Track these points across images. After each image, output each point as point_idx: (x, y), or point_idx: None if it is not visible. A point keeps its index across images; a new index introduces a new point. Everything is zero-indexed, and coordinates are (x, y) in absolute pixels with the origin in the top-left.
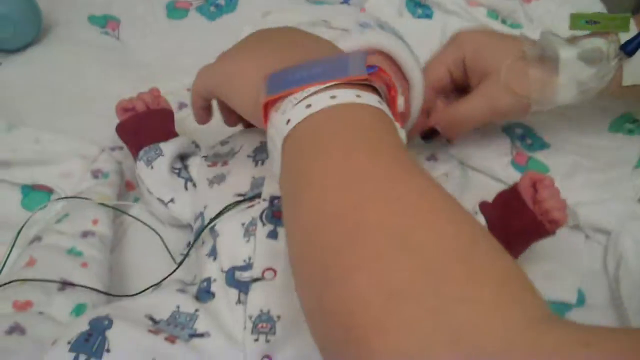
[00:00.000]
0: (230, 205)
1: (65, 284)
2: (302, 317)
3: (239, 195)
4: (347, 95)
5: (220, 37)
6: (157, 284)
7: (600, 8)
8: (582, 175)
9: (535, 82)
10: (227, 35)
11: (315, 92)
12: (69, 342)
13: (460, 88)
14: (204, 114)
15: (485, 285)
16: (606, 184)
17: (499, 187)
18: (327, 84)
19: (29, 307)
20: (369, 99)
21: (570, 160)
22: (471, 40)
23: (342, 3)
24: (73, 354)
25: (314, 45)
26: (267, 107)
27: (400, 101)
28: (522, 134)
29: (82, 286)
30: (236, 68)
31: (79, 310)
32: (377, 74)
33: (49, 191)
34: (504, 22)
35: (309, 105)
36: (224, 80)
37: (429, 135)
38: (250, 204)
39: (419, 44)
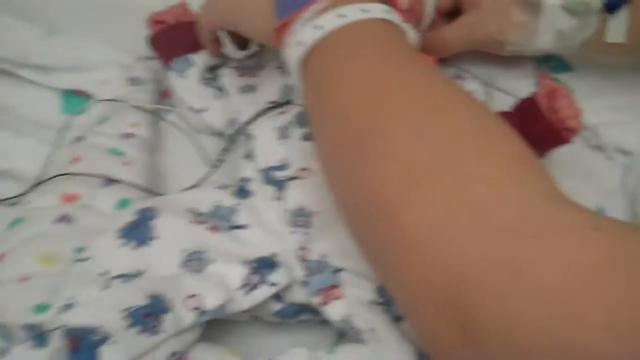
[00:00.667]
0: (263, 110)
1: (109, 180)
2: (335, 213)
3: (271, 102)
4: (353, 13)
5: None
6: (195, 185)
7: None
8: (604, 98)
9: (515, 23)
10: None
11: (323, 11)
12: (118, 230)
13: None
14: (215, 46)
15: (499, 165)
16: (629, 106)
17: None
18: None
19: (76, 200)
20: (376, 11)
21: (594, 83)
22: None
23: None
24: (122, 240)
25: None
26: (280, 31)
27: (403, 1)
28: (547, 55)
29: (126, 182)
30: None
31: (122, 204)
32: None
33: (87, 97)
34: None
35: (318, 27)
36: (232, 13)
37: None
38: (282, 110)
39: None
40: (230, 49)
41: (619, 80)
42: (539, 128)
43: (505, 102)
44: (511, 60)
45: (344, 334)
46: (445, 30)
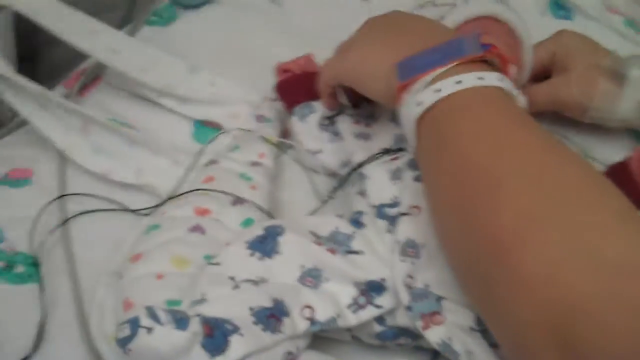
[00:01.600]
0: (377, 154)
1: (237, 200)
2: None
3: (384, 149)
4: (470, 80)
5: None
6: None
7: None
8: None
9: (600, 90)
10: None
11: (442, 76)
12: (246, 242)
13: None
14: (332, 100)
15: (609, 215)
16: None
17: None
18: (449, 66)
19: (208, 214)
20: (490, 79)
21: None
22: (568, 39)
23: None
24: (250, 251)
25: (426, 28)
26: (400, 91)
27: (513, 70)
28: None
29: (253, 203)
30: (365, 58)
31: (247, 222)
32: (490, 50)
33: (217, 127)
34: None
35: (438, 90)
36: (353, 72)
37: None
38: (394, 156)
39: None
40: (344, 101)
41: None
42: (629, 191)
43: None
44: (608, 133)
45: (438, 357)
46: (532, 87)
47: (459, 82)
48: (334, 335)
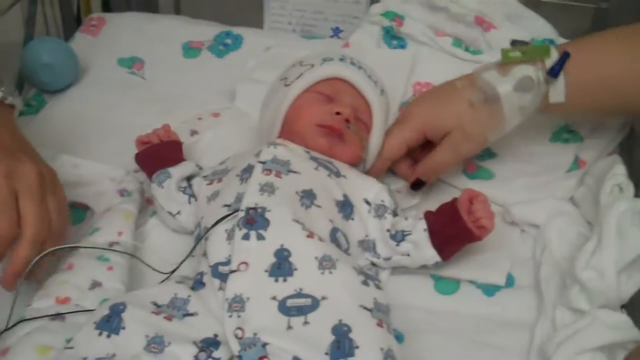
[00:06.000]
0: (219, 219)
1: (95, 283)
2: (262, 298)
3: (225, 205)
4: None
5: (229, 72)
6: (165, 278)
7: (552, 33)
8: (522, 179)
9: (487, 123)
10: (235, 70)
11: None
12: (94, 323)
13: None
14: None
15: None
16: (542, 186)
17: (453, 192)
18: None
19: (68, 302)
20: None
21: (513, 167)
22: (422, 116)
23: (331, 37)
24: (98, 331)
25: None
26: None
27: None
28: None
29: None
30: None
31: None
32: None
33: (85, 207)
34: (467, 49)
35: None
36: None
37: (417, 185)
38: (233, 214)
39: (395, 70)
40: None
41: (536, 163)
42: (456, 226)
43: (440, 187)
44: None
45: None
46: (434, 156)
47: None
48: None
